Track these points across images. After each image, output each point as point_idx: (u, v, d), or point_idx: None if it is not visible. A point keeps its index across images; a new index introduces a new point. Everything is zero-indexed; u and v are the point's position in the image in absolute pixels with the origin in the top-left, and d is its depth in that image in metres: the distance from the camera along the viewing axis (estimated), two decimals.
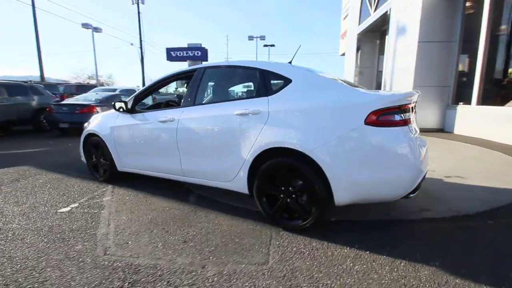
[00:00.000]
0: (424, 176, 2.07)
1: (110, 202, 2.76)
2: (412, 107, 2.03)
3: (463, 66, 7.11)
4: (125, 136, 3.06)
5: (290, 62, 2.50)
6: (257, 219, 2.31)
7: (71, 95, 12.06)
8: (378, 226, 2.21)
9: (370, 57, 12.70)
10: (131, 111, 3.02)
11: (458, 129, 6.74)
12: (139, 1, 26.55)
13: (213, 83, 2.82)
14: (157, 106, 3.45)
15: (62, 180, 3.51)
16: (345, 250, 1.85)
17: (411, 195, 1.96)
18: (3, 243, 1.98)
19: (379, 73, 12.19)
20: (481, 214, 2.39)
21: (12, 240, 2.03)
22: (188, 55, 24.21)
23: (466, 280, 1.53)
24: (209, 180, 2.54)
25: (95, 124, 3.40)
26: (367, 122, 1.82)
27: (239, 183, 2.32)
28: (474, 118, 6.24)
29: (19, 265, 1.72)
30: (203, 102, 2.62)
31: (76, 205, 2.68)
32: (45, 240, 2.02)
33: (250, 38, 32.02)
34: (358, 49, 12.82)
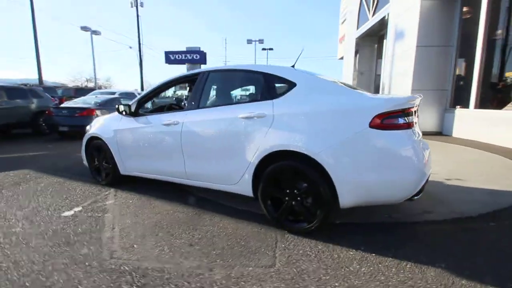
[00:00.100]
0: (428, 178, 2.09)
1: (113, 206, 2.75)
2: (414, 111, 2.06)
3: (460, 70, 7.21)
4: (128, 139, 3.06)
5: (293, 66, 2.53)
6: (262, 222, 2.31)
7: (70, 98, 12.05)
8: (382, 228, 2.23)
9: (368, 61, 12.83)
10: (134, 114, 3.03)
11: (456, 132, 6.81)
12: (138, 4, 26.70)
13: (217, 87, 2.84)
14: (160, 110, 3.46)
15: (64, 183, 3.49)
16: (351, 252, 1.87)
17: (415, 197, 1.98)
18: (7, 247, 1.97)
19: (377, 76, 12.31)
20: (484, 216, 2.41)
21: (16, 244, 2.02)
22: (186, 58, 24.32)
23: (471, 281, 1.54)
24: (213, 183, 2.54)
25: (97, 127, 3.40)
26: (372, 125, 1.84)
27: (244, 186, 2.33)
28: (472, 122, 6.31)
29: (25, 269, 1.71)
30: (208, 105, 2.63)
31: (80, 208, 2.68)
32: (50, 244, 2.01)
33: (249, 41, 32.22)
34: (356, 53, 12.95)
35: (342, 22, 16.37)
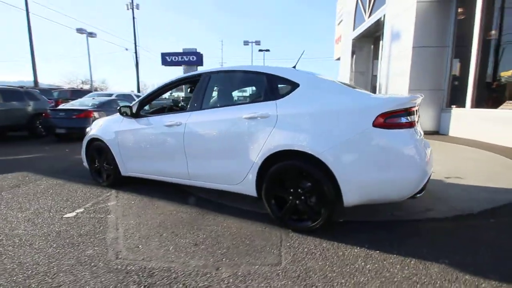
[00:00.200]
0: (430, 176, 2.13)
1: (116, 207, 2.74)
2: (416, 110, 2.10)
3: (456, 70, 7.31)
4: (130, 140, 3.06)
5: (294, 67, 2.56)
6: (265, 221, 2.33)
7: (66, 100, 11.96)
8: (385, 226, 2.26)
9: (365, 62, 12.94)
10: (136, 115, 3.02)
11: (452, 132, 6.90)
12: (134, 7, 26.63)
13: (220, 88, 2.85)
14: (160, 111, 3.46)
15: (64, 185, 3.47)
16: (355, 250, 1.89)
17: (418, 195, 2.01)
18: (11, 249, 1.96)
19: (374, 77, 12.42)
20: (483, 213, 2.45)
21: (19, 246, 2.01)
22: (183, 60, 24.20)
23: (475, 277, 1.57)
24: (216, 183, 2.55)
25: (98, 129, 3.39)
26: (375, 124, 1.87)
27: (248, 186, 2.34)
28: (469, 121, 6.40)
29: (30, 271, 1.70)
30: (211, 106, 2.65)
31: (82, 210, 2.66)
32: (54, 246, 2.00)
33: (246, 43, 32.29)
34: (353, 54, 13.06)
35: (339, 23, 16.51)
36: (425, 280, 1.56)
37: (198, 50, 24.49)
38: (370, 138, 1.89)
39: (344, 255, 1.84)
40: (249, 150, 2.25)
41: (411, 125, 1.95)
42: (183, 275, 1.65)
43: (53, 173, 4.05)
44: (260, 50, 32.78)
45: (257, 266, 1.73)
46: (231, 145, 2.36)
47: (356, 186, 1.93)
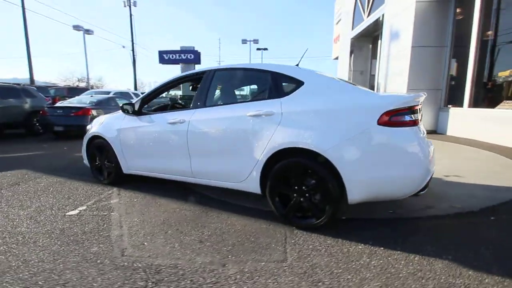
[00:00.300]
0: (432, 174, 2.15)
1: (118, 204, 2.74)
2: (419, 109, 2.12)
3: (454, 70, 7.38)
4: (132, 138, 3.04)
5: (297, 65, 2.57)
6: (269, 219, 2.34)
7: (63, 98, 11.86)
8: (388, 223, 2.28)
9: (363, 61, 13.00)
10: (138, 113, 3.01)
11: (450, 131, 6.97)
12: (131, 4, 26.40)
13: (224, 85, 2.85)
14: (162, 109, 3.45)
15: (65, 183, 3.45)
16: (360, 247, 1.91)
17: (421, 192, 2.04)
18: (15, 247, 1.94)
19: (372, 76, 12.49)
20: (484, 210, 2.49)
21: (23, 243, 2.00)
22: (180, 58, 24.08)
23: (478, 272, 1.60)
24: (220, 181, 2.56)
25: (100, 126, 3.37)
26: (380, 122, 1.89)
27: (252, 184, 2.35)
28: (466, 120, 6.47)
29: (36, 268, 1.69)
30: (214, 104, 2.64)
31: (84, 208, 2.65)
32: (58, 243, 1.99)
33: (244, 41, 32.21)
34: (351, 53, 13.10)
35: (337, 23, 16.54)
36: (430, 276, 1.58)
37: (195, 49, 24.40)
38: (375, 136, 1.91)
39: (349, 251, 1.86)
40: (253, 147, 2.26)
41: (415, 123, 1.97)
42: (190, 271, 1.65)
43: (53, 171, 4.02)
44: (258, 49, 32.75)
45: (263, 263, 1.74)
46: (235, 143, 2.36)
47: (361, 183, 1.95)
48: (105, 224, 2.30)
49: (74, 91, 14.46)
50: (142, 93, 14.25)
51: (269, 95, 2.33)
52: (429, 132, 7.39)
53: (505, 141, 5.34)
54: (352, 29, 12.44)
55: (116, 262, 1.75)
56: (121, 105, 3.09)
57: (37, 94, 8.43)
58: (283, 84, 2.30)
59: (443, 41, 7.17)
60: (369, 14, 10.55)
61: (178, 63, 24.34)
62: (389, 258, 1.76)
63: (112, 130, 3.20)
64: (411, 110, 1.95)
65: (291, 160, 2.13)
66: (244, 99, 2.67)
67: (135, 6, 26.78)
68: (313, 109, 2.08)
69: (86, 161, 3.59)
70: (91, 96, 9.15)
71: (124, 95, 11.93)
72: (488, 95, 6.35)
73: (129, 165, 3.16)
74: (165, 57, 24.06)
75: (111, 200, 2.85)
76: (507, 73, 5.79)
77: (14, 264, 1.74)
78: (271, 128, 2.18)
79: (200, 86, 2.71)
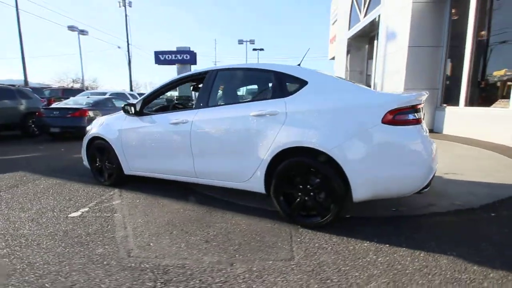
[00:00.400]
0: (435, 172, 2.18)
1: (121, 206, 2.72)
2: (422, 107, 2.15)
3: (450, 70, 7.48)
4: (134, 139, 3.03)
5: (299, 65, 2.58)
6: (274, 218, 2.34)
7: (58, 99, 11.74)
8: (390, 221, 2.30)
9: (359, 61, 13.09)
10: (139, 113, 3.00)
11: (447, 130, 7.06)
12: (126, 4, 26.23)
13: (227, 85, 2.85)
14: (164, 109, 3.44)
15: (64, 185, 3.42)
16: (365, 244, 1.92)
17: (424, 190, 2.06)
18: (18, 249, 1.92)
19: (368, 76, 12.59)
20: (484, 207, 2.53)
21: (27, 246, 1.97)
22: (176, 58, 23.98)
23: (483, 267, 1.63)
24: (224, 181, 2.56)
25: (100, 127, 3.34)
26: (384, 121, 1.91)
27: (256, 183, 2.35)
28: (462, 119, 6.56)
29: (41, 271, 1.68)
30: (217, 104, 2.64)
31: (87, 209, 2.63)
32: (63, 245, 1.97)
33: (240, 42, 32.21)
34: (348, 53, 13.19)
35: (333, 23, 16.63)
36: (436, 272, 1.60)
37: (191, 49, 24.31)
38: (380, 134, 1.93)
39: (355, 249, 1.87)
40: (257, 147, 2.27)
41: (418, 121, 2.00)
42: (198, 271, 1.65)
43: (51, 172, 3.98)
44: (254, 49, 32.79)
45: (270, 262, 1.75)
46: (239, 142, 2.36)
47: (366, 181, 1.97)
48: (109, 225, 2.29)
49: (69, 92, 14.34)
50: (138, 94, 14.19)
51: (272, 94, 2.34)
52: None
53: (501, 139, 5.43)
54: (349, 29, 12.52)
55: (123, 263, 1.74)
56: (122, 105, 3.07)
57: (32, 95, 8.33)
58: (287, 83, 2.31)
59: (439, 41, 7.27)
60: (365, 15, 10.63)
61: (174, 64, 24.24)
62: (395, 255, 1.78)
63: (113, 131, 3.18)
64: (414, 108, 1.97)
65: (296, 159, 2.14)
66: (247, 99, 2.67)
67: (130, 6, 26.66)
68: (318, 109, 2.10)
69: (86, 163, 3.56)
70: (88, 97, 9.07)
71: (120, 96, 11.84)
72: (484, 94, 6.45)
73: (131, 166, 3.14)
74: (161, 58, 23.95)
75: (113, 201, 2.83)
76: (502, 72, 5.89)
77: (19, 267, 1.72)
78: (276, 128, 2.19)
79: (202, 86, 2.70)
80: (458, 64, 6.85)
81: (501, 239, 1.99)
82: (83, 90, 16.16)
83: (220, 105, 2.61)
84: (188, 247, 1.94)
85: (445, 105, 7.29)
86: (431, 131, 7.57)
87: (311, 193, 2.13)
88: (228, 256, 1.82)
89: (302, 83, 2.24)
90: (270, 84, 2.39)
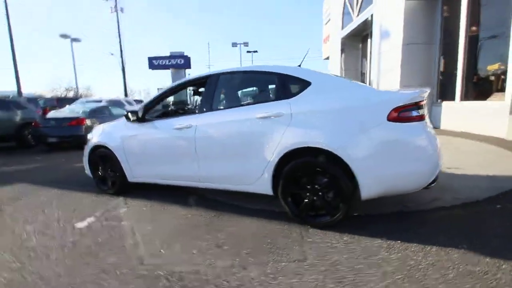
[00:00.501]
0: (440, 167, 2.21)
1: (128, 213, 2.70)
2: (424, 104, 2.17)
3: (444, 66, 7.58)
4: (136, 145, 3.01)
5: (299, 66, 2.60)
6: (283, 219, 2.35)
7: (54, 108, 11.62)
8: (400, 217, 2.32)
9: (353, 60, 13.21)
10: (142, 120, 2.99)
11: (444, 125, 7.14)
12: (118, 10, 26.13)
13: (229, 89, 2.85)
14: (165, 115, 3.43)
15: (68, 195, 3.38)
16: (377, 242, 1.94)
17: (431, 185, 2.09)
18: (28, 262, 1.90)
19: (363, 74, 12.69)
20: (488, 200, 2.57)
21: (36, 258, 1.95)
22: (170, 63, 23.93)
23: (495, 258, 1.65)
24: (230, 184, 2.55)
25: (102, 135, 3.32)
26: (389, 118, 1.93)
27: (263, 185, 2.36)
28: (459, 113, 6.65)
29: (54, 283, 1.66)
30: (221, 107, 2.65)
31: (93, 219, 2.60)
32: (73, 256, 1.95)
33: (234, 44, 32.29)
34: (342, 52, 13.30)
35: (326, 23, 16.77)
36: (449, 265, 1.62)
37: (185, 53, 24.28)
38: (385, 132, 1.95)
39: (366, 247, 1.88)
40: (264, 149, 2.27)
41: (421, 118, 2.02)
42: (213, 276, 1.65)
43: (52, 183, 3.93)
44: (248, 52, 32.87)
45: (283, 263, 1.75)
46: (245, 145, 2.37)
47: (374, 179, 1.99)
48: (118, 234, 2.27)
49: (64, 101, 14.20)
50: (135, 100, 14.12)
51: (277, 96, 2.36)
52: None
53: (497, 132, 5.50)
54: (342, 29, 12.64)
55: (137, 271, 1.72)
56: (125, 112, 3.05)
57: (27, 105, 8.24)
58: (291, 85, 2.33)
59: (433, 38, 7.38)
60: (358, 14, 10.75)
61: (168, 68, 24.18)
62: (407, 251, 1.80)
63: (116, 138, 3.16)
64: (418, 105, 2.00)
65: (303, 160, 2.15)
66: (251, 102, 2.68)
67: (122, 12, 26.55)
68: (323, 109, 2.11)
69: (88, 172, 3.53)
70: (84, 104, 9.00)
71: (116, 103, 11.77)
72: (479, 88, 6.55)
73: (134, 173, 3.12)
74: (154, 63, 23.86)
75: (120, 210, 2.81)
76: (496, 66, 5.99)
77: (30, 280, 1.70)
78: (281, 129, 2.20)
79: (205, 90, 2.71)
80: (452, 60, 6.96)
81: (508, 230, 2.01)
82: (78, 99, 16.03)
83: (223, 108, 2.61)
84: (200, 252, 1.93)
85: (441, 100, 7.39)
86: None
87: (320, 193, 2.14)
88: (241, 259, 1.82)
89: (305, 84, 2.25)
90: (274, 86, 2.40)
